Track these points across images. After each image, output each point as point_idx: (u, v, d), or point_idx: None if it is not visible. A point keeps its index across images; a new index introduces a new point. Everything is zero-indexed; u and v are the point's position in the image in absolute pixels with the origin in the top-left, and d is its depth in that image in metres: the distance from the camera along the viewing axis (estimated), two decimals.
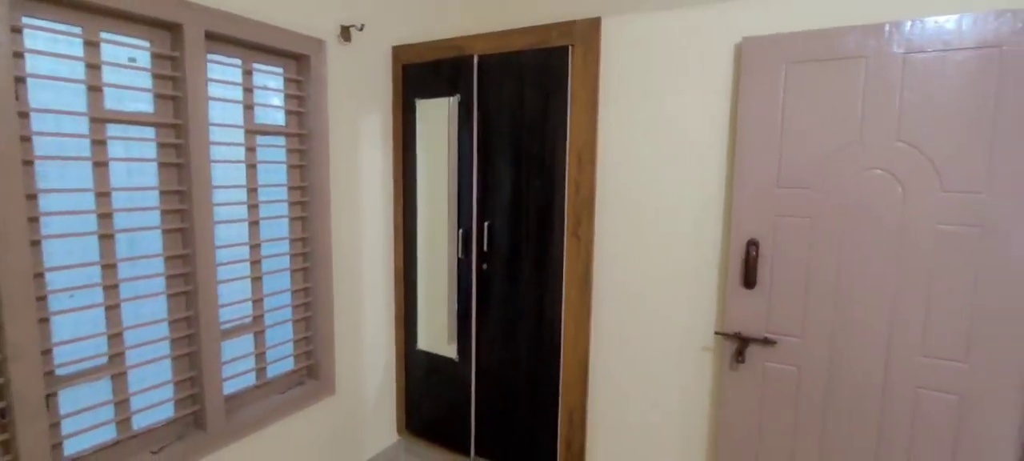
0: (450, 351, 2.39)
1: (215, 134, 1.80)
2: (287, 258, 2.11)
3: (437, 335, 2.43)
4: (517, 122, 2.12)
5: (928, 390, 1.55)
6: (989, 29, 1.41)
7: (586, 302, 2.05)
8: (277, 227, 2.08)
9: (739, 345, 1.77)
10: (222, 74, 1.86)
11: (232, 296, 1.94)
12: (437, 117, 2.28)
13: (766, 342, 1.73)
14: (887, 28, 1.51)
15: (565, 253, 2.06)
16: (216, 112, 1.84)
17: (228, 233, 1.91)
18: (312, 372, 2.22)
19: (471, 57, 2.16)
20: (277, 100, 2.05)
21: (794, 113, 1.64)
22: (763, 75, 1.67)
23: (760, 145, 1.69)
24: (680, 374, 1.94)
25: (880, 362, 1.60)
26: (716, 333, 1.82)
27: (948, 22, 1.45)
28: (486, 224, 2.22)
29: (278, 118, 2.05)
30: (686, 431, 1.95)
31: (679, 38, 1.83)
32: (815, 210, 1.63)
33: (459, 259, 2.30)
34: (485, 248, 2.24)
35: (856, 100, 1.56)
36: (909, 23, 1.49)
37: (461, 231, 2.27)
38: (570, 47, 1.97)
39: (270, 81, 2.01)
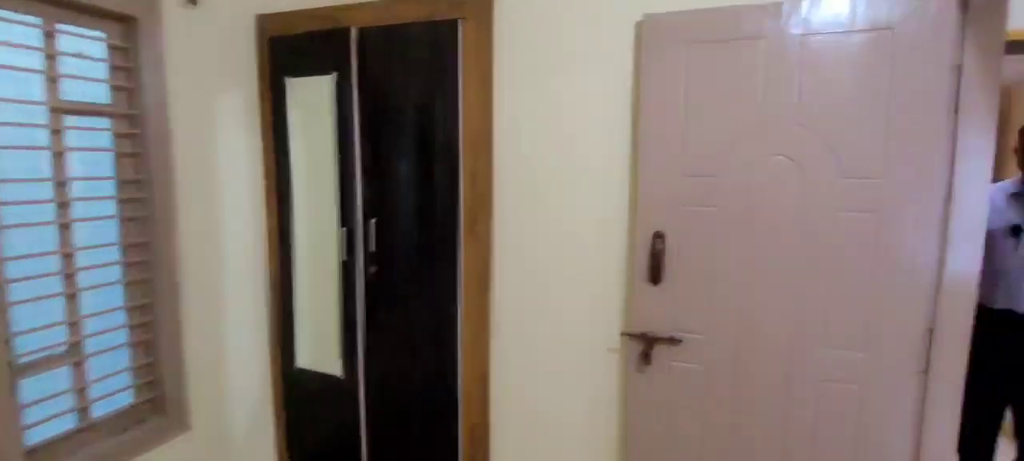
0: (335, 368, 2.09)
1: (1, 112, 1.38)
2: (117, 269, 1.70)
3: (320, 350, 2.12)
4: (405, 105, 1.87)
5: (830, 382, 1.51)
6: (882, 11, 1.37)
7: (485, 306, 1.85)
8: (101, 231, 1.67)
9: (645, 346, 1.65)
10: (10, 34, 1.44)
11: (36, 320, 1.52)
12: (313, 99, 1.97)
13: (672, 341, 1.62)
14: (785, 7, 1.44)
15: (461, 252, 1.84)
16: (5, 84, 1.43)
17: (24, 240, 1.49)
18: (157, 406, 1.82)
19: (349, 30, 1.87)
20: (100, 72, 1.64)
21: (698, 97, 1.54)
22: (664, 56, 1.55)
23: (664, 131, 1.57)
24: (587, 379, 1.80)
25: (784, 355, 1.54)
26: (622, 334, 1.69)
27: (843, 3, 1.40)
28: (373, 222, 1.95)
29: (99, 94, 1.65)
30: (594, 438, 1.81)
31: (578, 13, 1.67)
32: (720, 199, 1.54)
33: (344, 262, 2.00)
34: (373, 248, 1.96)
35: (757, 83, 1.48)
36: (806, 3, 1.42)
37: (345, 230, 1.98)
38: (460, 21, 1.75)
39: (89, 48, 1.60)
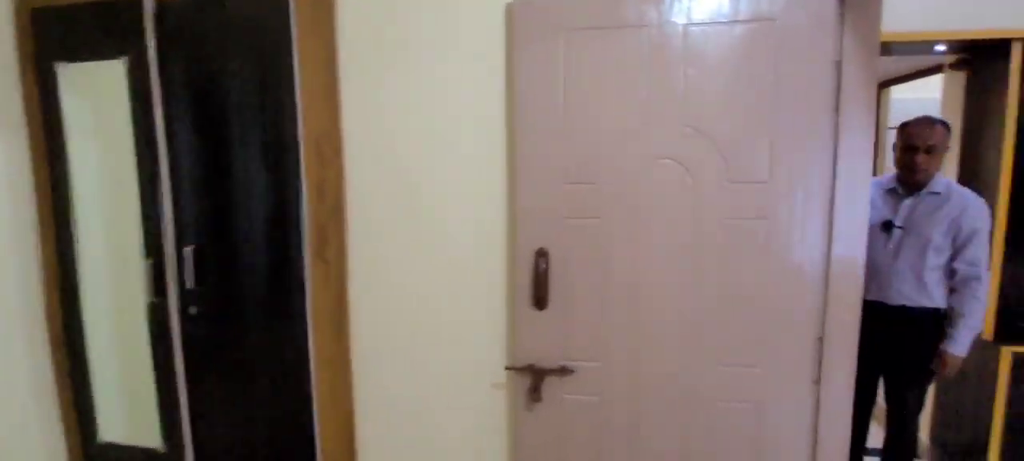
0: (153, 439, 1.63)
1: None
2: None
3: (132, 418, 1.64)
4: (226, 98, 1.47)
5: (728, 402, 1.40)
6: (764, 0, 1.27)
7: (344, 346, 1.52)
8: None
9: (534, 379, 1.43)
10: None
11: None
12: (99, 91, 1.50)
13: (563, 372, 1.42)
14: None
15: (309, 282, 1.49)
16: None
17: None
18: None
19: (141, 1, 1.43)
20: None
21: (577, 92, 1.34)
22: (539, 45, 1.34)
23: (542, 132, 1.36)
24: (471, 421, 1.54)
25: (681, 378, 1.40)
26: (507, 368, 1.45)
27: None
28: (190, 249, 1.52)
29: None
30: None
31: None
32: (605, 208, 1.36)
33: (152, 303, 1.55)
34: (191, 284, 1.54)
35: (640, 77, 1.32)
36: None
37: (151, 263, 1.53)
38: None
39: None
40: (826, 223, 1.32)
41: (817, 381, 1.37)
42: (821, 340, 1.35)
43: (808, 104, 1.29)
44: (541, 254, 1.37)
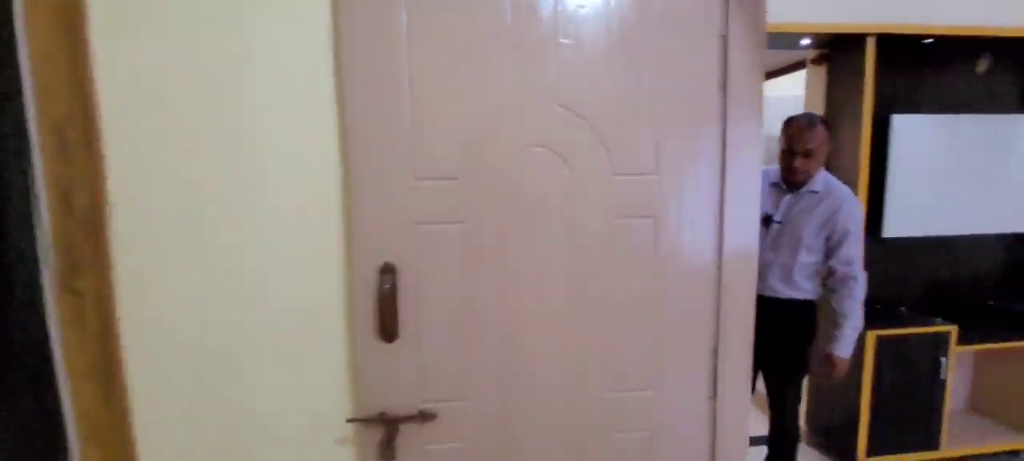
0: None
1: None
2: None
3: None
4: None
5: (619, 434, 1.20)
6: None
7: (118, 409, 1.09)
8: None
9: (387, 431, 1.12)
10: None
11: None
12: None
13: (424, 417, 1.12)
14: None
15: (55, 325, 1.04)
16: None
17: None
18: None
19: None
20: None
21: (428, 68, 1.05)
22: (375, 10, 1.03)
23: (383, 116, 1.05)
24: None
25: (566, 411, 1.17)
26: (349, 421, 1.12)
27: None
28: None
29: None
30: None
31: None
32: (469, 209, 1.09)
33: None
34: None
35: (505, 47, 1.06)
36: None
37: None
38: None
39: None
40: (717, 219, 1.16)
41: (713, 396, 1.22)
42: (716, 351, 1.20)
43: (694, 82, 1.12)
44: (387, 271, 1.06)
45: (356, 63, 1.03)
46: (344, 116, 1.05)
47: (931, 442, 2.42)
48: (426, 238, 1.08)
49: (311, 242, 1.10)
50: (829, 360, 1.95)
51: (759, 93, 1.13)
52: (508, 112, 1.07)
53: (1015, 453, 2.53)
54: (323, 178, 1.09)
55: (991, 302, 2.68)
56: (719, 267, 1.17)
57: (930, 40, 2.33)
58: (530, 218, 1.10)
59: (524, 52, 1.06)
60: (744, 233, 1.17)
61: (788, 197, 1.95)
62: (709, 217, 1.16)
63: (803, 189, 1.93)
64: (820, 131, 1.90)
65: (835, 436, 2.53)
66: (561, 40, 1.07)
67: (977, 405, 2.81)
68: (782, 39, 2.28)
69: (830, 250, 1.91)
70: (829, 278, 1.94)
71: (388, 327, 1.07)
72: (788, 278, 1.94)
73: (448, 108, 1.06)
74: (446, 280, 1.09)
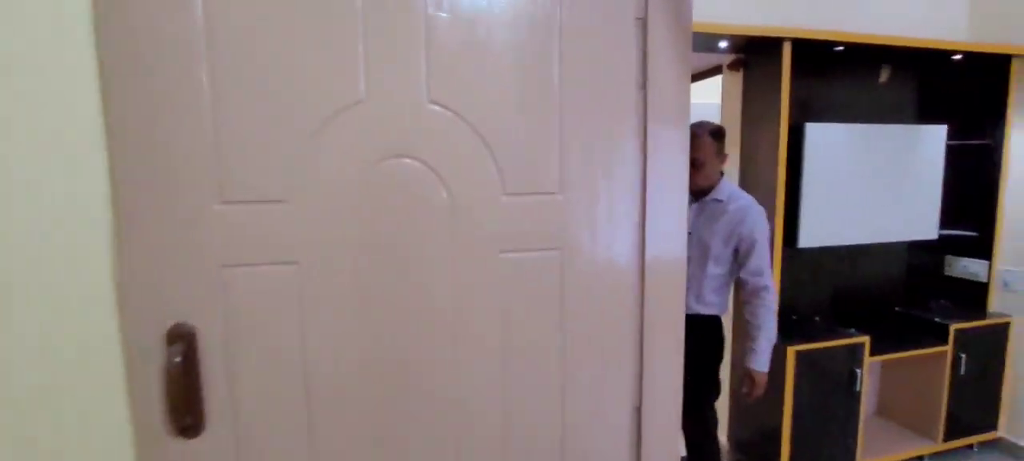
0: None
1: None
2: None
3: None
4: None
5: None
6: None
7: None
8: None
9: None
10: None
11: None
12: None
13: None
14: None
15: None
16: None
17: None
18: None
19: None
20: None
21: (233, 38, 0.73)
22: None
23: (167, 114, 0.72)
24: None
25: None
26: None
27: None
28: None
29: None
30: None
31: None
32: (301, 246, 0.78)
33: None
34: None
35: (353, 17, 0.77)
36: None
37: None
38: None
39: None
40: (638, 246, 0.93)
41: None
42: (639, 410, 0.97)
43: (606, 78, 0.88)
44: (177, 337, 0.72)
45: (117, 31, 0.69)
46: (110, 113, 0.70)
47: (849, 453, 2.40)
48: (240, 285, 0.75)
49: (70, 299, 0.73)
50: (748, 377, 1.86)
51: (686, 86, 0.91)
52: (358, 109, 0.77)
53: (920, 458, 2.59)
54: (79, 207, 0.73)
55: (897, 309, 2.74)
56: (642, 308, 0.94)
57: (841, 48, 2.30)
58: (392, 255, 0.80)
59: (380, 25, 0.77)
60: (670, 263, 0.95)
61: (694, 206, 1.86)
62: (629, 247, 0.93)
63: (707, 197, 1.86)
64: (707, 142, 1.82)
65: (757, 452, 2.46)
66: (433, 12, 0.79)
67: (884, 411, 2.87)
68: (700, 40, 2.15)
69: (740, 263, 1.83)
70: (740, 290, 1.86)
71: (186, 416, 0.74)
72: (699, 292, 1.84)
73: (270, 99, 0.74)
74: (273, 343, 0.77)
